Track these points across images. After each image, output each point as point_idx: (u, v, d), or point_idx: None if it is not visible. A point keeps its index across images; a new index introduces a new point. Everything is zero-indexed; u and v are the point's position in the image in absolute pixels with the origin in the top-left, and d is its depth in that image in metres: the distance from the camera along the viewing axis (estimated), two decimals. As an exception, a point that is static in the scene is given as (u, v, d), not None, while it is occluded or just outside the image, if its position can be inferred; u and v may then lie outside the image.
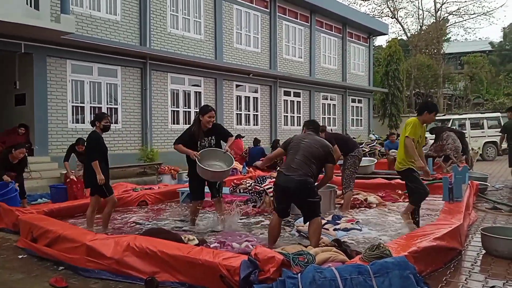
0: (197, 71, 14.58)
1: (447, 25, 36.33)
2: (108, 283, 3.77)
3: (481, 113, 20.70)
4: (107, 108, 12.18)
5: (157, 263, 3.72)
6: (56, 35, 9.94)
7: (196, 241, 4.47)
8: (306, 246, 3.93)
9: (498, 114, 18.94)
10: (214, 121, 5.60)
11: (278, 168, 4.85)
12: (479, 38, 43.60)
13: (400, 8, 40.88)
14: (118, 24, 12.41)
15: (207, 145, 5.58)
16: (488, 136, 17.50)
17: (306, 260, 3.18)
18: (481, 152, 17.20)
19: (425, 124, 5.47)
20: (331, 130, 20.23)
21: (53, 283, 3.71)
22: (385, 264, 3.04)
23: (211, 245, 4.54)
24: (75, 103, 11.49)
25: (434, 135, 10.83)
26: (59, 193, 7.74)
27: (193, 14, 14.64)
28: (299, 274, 2.95)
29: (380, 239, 4.90)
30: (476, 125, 17.85)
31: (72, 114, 11.42)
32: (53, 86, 10.96)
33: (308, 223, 4.41)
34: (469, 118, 18.15)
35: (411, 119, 5.38)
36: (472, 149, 12.45)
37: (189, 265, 3.53)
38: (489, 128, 17.63)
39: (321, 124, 5.50)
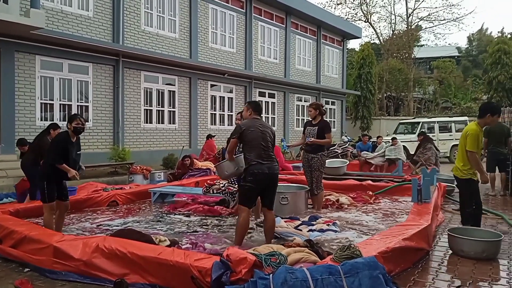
0: (171, 70, 14.43)
1: (420, 31, 37.21)
2: (76, 285, 3.68)
3: (449, 116, 21.31)
4: (78, 105, 11.91)
5: (127, 265, 3.65)
6: (25, 30, 9.65)
7: (168, 242, 4.42)
8: (286, 243, 3.94)
9: (466, 118, 19.52)
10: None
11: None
12: (449, 44, 44.97)
13: (373, 13, 41.68)
14: (90, 20, 12.14)
15: None
16: (456, 139, 17.99)
17: (278, 260, 3.19)
18: (448, 155, 17.74)
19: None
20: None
21: (18, 285, 3.59)
22: (355, 264, 3.09)
23: (183, 246, 4.51)
24: (44, 100, 11.17)
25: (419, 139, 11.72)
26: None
27: (168, 12, 14.48)
28: (271, 275, 2.96)
29: (353, 240, 4.96)
30: (445, 128, 18.37)
31: (41, 111, 11.10)
32: (21, 82, 10.63)
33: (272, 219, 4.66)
34: (437, 122, 18.66)
35: (471, 126, 5.02)
36: None
37: (160, 266, 3.49)
38: (456, 131, 18.15)
39: None
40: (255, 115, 4.77)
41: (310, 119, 6.88)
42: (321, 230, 5.22)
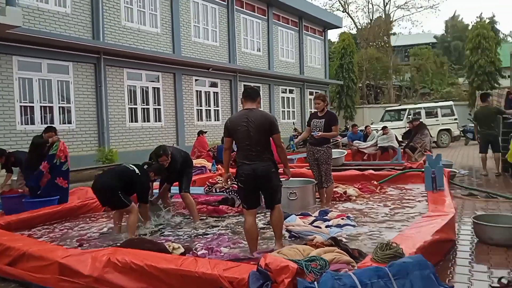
0: (155, 66, 13.93)
1: (396, 19, 37.37)
2: (88, 305, 3.32)
3: (435, 102, 21.40)
4: (59, 107, 11.33)
5: (144, 279, 3.29)
6: (1, 29, 9.04)
7: (182, 250, 4.08)
8: (308, 242, 3.65)
9: (451, 102, 19.66)
10: (169, 161, 5.85)
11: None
12: (423, 31, 45.42)
13: (351, 2, 41.62)
14: (68, 17, 11.53)
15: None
16: (442, 124, 18.11)
17: (319, 266, 2.89)
18: (435, 139, 17.79)
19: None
20: (294, 124, 20.34)
21: (22, 309, 3.22)
22: (403, 265, 2.82)
23: (198, 252, 4.18)
24: (23, 102, 10.56)
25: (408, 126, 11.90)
26: (12, 202, 6.96)
27: (149, 7, 13.94)
28: (316, 283, 2.66)
29: (383, 235, 4.67)
30: (431, 113, 18.41)
31: (21, 115, 10.50)
32: (-2, 84, 10.02)
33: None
34: (424, 107, 18.69)
35: None
36: None
37: (183, 278, 3.15)
38: (442, 116, 18.26)
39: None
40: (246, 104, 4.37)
41: (315, 111, 6.66)
42: (339, 225, 4.96)
